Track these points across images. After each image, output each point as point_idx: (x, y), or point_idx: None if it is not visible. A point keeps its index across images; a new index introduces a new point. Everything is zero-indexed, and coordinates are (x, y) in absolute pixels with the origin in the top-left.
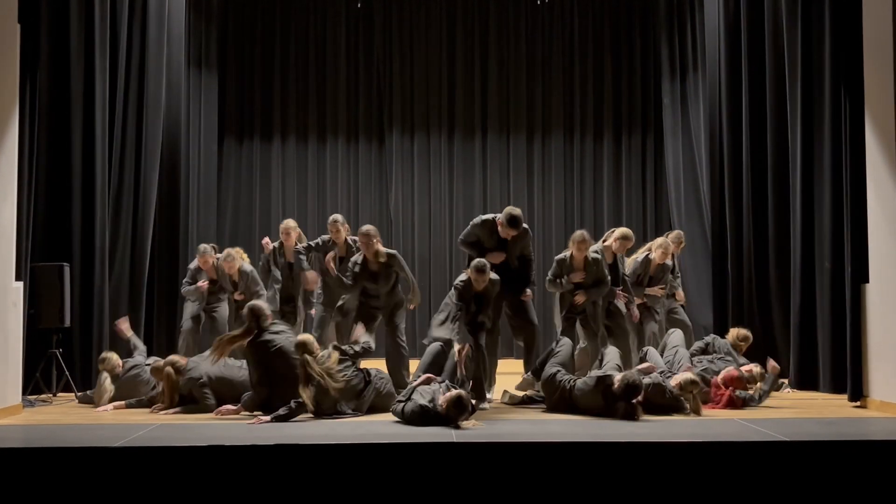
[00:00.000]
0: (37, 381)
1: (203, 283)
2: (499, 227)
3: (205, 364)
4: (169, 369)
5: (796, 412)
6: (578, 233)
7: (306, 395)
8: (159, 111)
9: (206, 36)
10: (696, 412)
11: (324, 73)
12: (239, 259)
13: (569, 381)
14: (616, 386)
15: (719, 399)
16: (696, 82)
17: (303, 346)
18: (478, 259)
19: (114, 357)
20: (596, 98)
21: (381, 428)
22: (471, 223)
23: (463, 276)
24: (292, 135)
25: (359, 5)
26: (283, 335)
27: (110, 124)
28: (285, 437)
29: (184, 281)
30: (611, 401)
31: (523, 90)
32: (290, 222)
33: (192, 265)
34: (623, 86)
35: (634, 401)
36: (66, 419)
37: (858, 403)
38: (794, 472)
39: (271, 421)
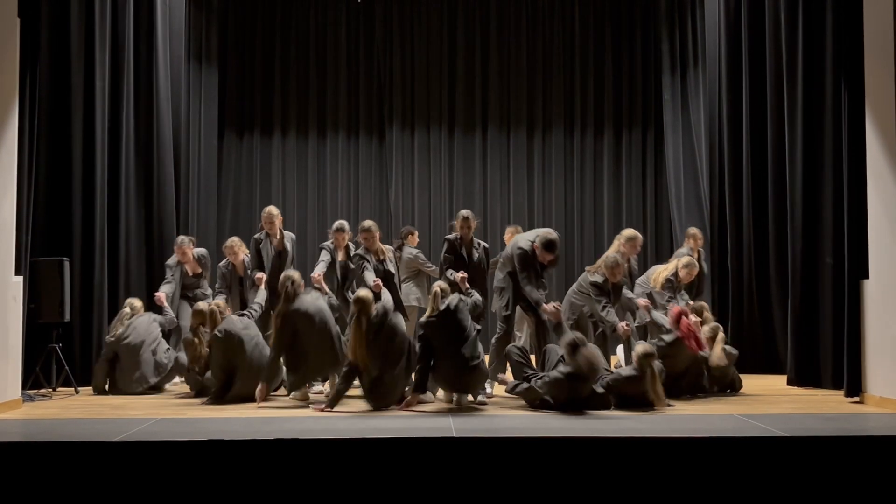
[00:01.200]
0: (37, 375)
1: (260, 276)
2: (536, 251)
3: (234, 323)
4: (214, 307)
5: (795, 408)
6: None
7: (358, 353)
8: (160, 106)
9: (207, 31)
10: (658, 395)
11: (324, 67)
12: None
13: (535, 381)
14: (568, 357)
15: (689, 337)
16: (697, 78)
17: (361, 303)
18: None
19: (140, 303)
20: (596, 93)
21: (380, 422)
22: (516, 256)
23: (450, 235)
24: (292, 130)
25: (359, 0)
26: (315, 300)
27: (111, 119)
28: (285, 431)
29: (164, 282)
30: (575, 382)
31: (524, 85)
32: (273, 209)
33: (171, 261)
34: (623, 81)
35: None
36: (65, 414)
37: (857, 399)
38: (794, 468)
39: (335, 401)
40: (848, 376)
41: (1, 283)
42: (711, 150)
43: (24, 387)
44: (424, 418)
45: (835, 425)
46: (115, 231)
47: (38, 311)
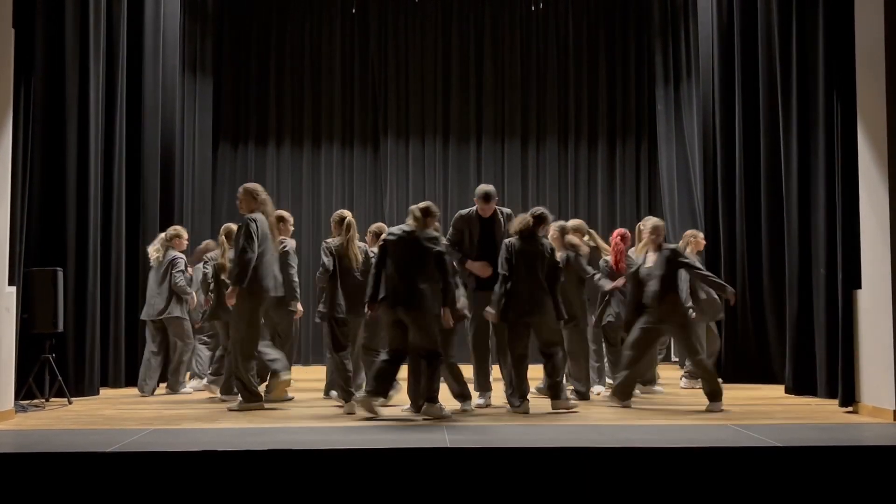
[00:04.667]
0: (29, 386)
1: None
2: (476, 206)
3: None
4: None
5: (790, 418)
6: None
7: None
8: (155, 116)
9: (202, 41)
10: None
11: (319, 78)
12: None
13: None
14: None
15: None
16: (690, 89)
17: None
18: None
19: (184, 232)
20: (590, 104)
21: (374, 434)
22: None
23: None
24: (287, 140)
25: (353, 11)
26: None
27: (105, 129)
28: (277, 442)
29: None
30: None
31: (518, 96)
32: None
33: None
34: (617, 92)
35: None
36: (58, 424)
37: (850, 409)
38: (788, 478)
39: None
40: (842, 386)
41: None
42: (705, 161)
43: (16, 397)
44: (418, 429)
45: (829, 435)
46: (109, 242)
47: (31, 322)
